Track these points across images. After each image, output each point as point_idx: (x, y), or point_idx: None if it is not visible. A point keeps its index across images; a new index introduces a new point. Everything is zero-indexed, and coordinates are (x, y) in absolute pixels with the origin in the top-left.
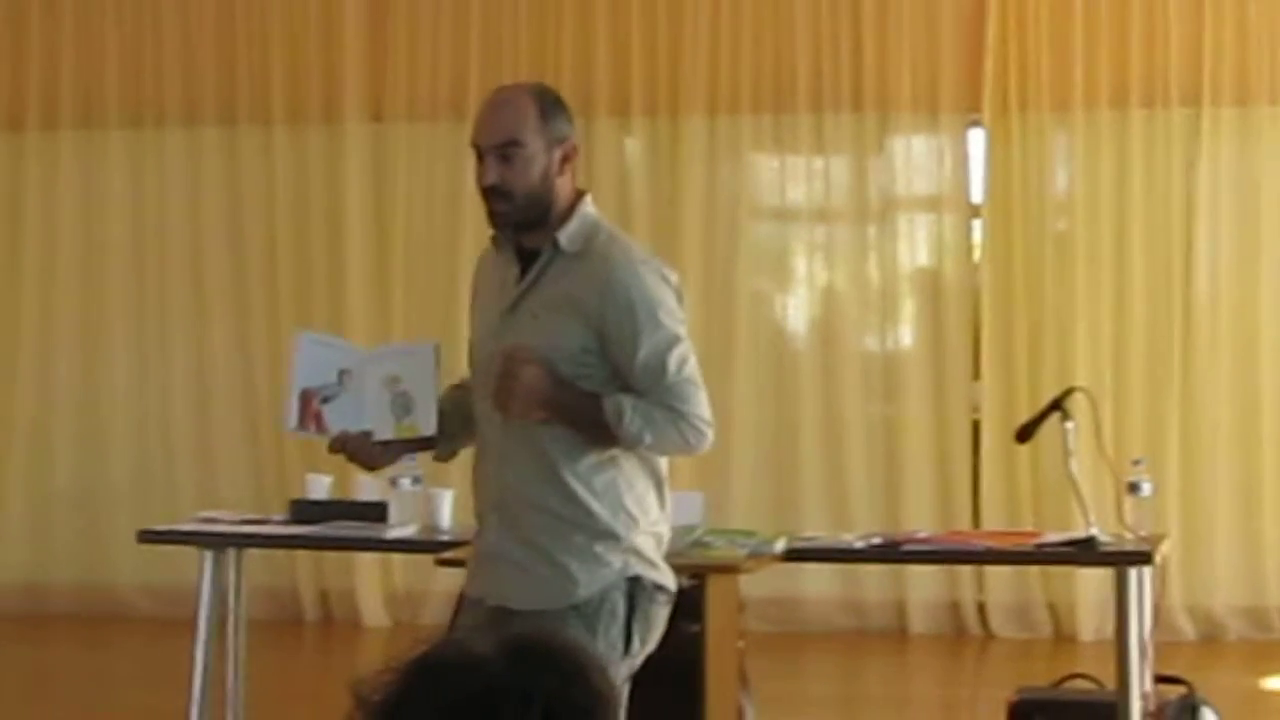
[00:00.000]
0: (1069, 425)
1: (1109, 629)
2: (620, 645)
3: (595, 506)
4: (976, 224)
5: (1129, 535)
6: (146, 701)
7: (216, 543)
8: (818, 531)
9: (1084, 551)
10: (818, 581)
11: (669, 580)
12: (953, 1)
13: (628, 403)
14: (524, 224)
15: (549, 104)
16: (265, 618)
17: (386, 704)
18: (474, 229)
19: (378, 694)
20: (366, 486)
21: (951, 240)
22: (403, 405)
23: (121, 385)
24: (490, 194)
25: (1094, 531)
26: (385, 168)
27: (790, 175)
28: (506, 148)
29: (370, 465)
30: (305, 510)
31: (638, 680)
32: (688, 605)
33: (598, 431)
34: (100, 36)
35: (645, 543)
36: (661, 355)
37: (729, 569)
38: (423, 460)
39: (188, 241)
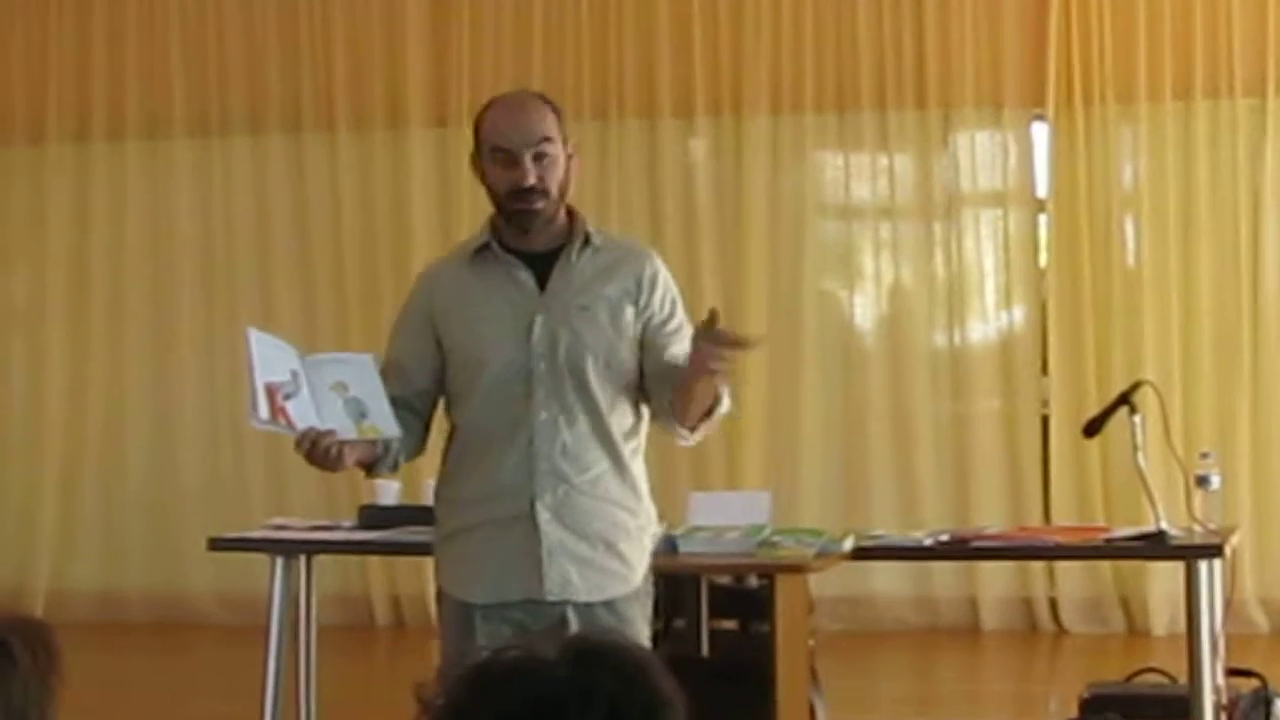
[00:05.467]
0: (1136, 419)
1: (1181, 623)
2: (651, 624)
3: (642, 491)
4: (1042, 219)
5: (1198, 528)
6: (219, 709)
7: (287, 549)
8: (887, 529)
9: (1153, 545)
10: (889, 579)
11: None
12: None
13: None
14: (548, 222)
15: (556, 108)
16: (337, 623)
17: (450, 708)
18: None
19: (441, 698)
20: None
21: (1017, 235)
22: (357, 409)
23: (192, 393)
24: (529, 193)
25: (1163, 525)
26: (450, 172)
27: (855, 173)
28: (542, 145)
29: (333, 466)
30: (375, 516)
31: (709, 680)
32: (757, 605)
33: (704, 411)
34: (164, 47)
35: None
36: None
37: (797, 568)
38: None
39: (254, 249)
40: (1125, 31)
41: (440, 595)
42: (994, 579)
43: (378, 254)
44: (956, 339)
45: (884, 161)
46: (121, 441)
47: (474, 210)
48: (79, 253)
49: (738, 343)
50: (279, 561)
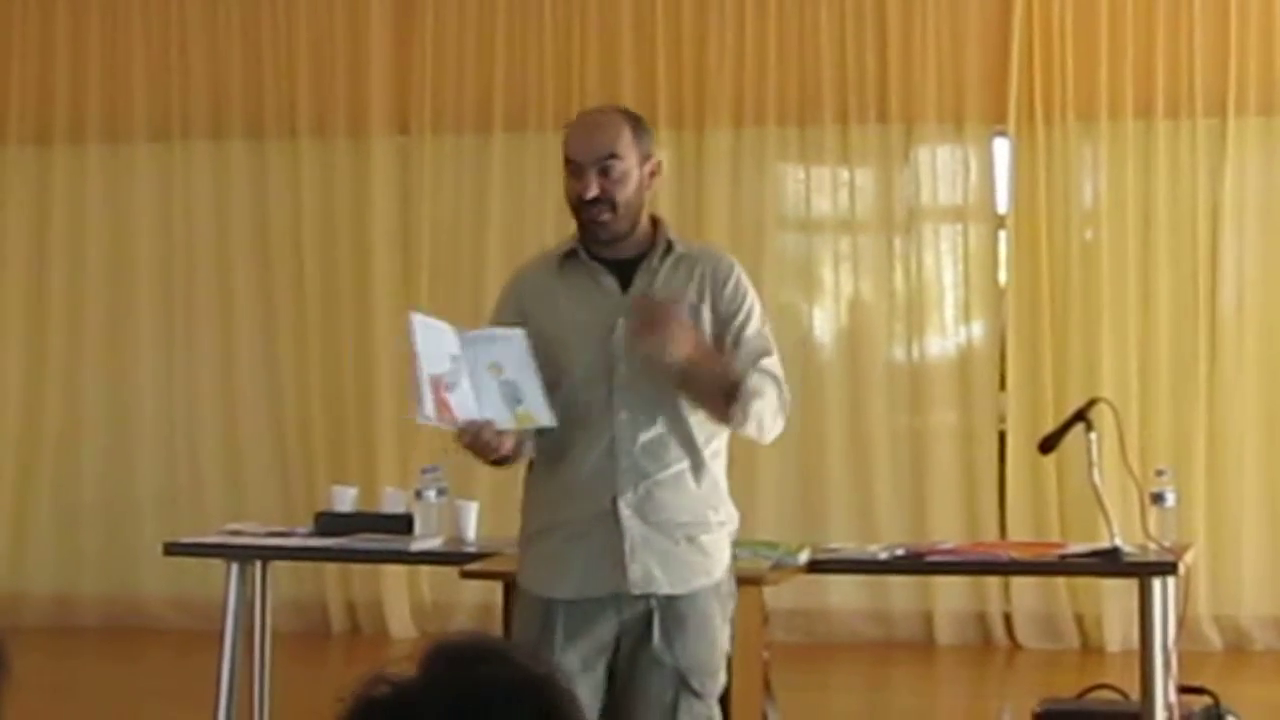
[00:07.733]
0: (1092, 436)
1: (1135, 639)
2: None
3: (723, 490)
4: (1002, 234)
5: (1153, 545)
6: (172, 714)
7: (242, 555)
8: (843, 542)
9: (1108, 562)
10: (844, 593)
11: None
12: (978, 12)
13: (746, 368)
14: (619, 235)
15: (638, 124)
16: (292, 630)
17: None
18: (500, 241)
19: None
20: (392, 498)
21: (977, 251)
22: (512, 394)
23: (148, 398)
24: (592, 205)
25: (1118, 542)
26: (411, 180)
27: (816, 186)
28: (606, 160)
29: (492, 458)
30: (331, 523)
31: None
32: None
33: (722, 396)
34: (127, 50)
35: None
36: (764, 333)
37: (752, 581)
38: (447, 472)
39: (214, 254)
40: (1087, 50)
41: (515, 591)
42: (949, 593)
43: (337, 260)
44: (915, 353)
45: (845, 175)
46: (77, 444)
47: (434, 217)
48: (37, 255)
49: (655, 313)
50: (234, 567)
